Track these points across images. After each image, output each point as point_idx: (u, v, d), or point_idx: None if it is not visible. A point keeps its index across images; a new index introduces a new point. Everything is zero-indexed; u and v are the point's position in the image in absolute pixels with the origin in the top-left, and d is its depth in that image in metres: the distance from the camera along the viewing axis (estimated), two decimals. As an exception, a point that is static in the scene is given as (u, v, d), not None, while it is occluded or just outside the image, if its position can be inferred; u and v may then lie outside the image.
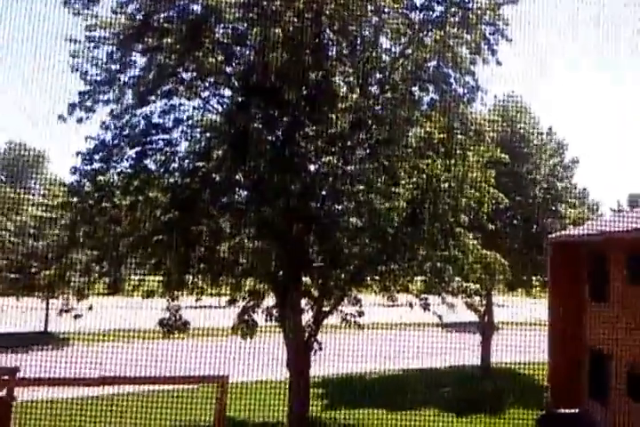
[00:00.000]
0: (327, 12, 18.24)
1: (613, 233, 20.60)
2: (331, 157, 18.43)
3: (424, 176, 19.80)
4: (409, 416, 20.73)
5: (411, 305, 20.48)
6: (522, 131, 25.24)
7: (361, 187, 18.95)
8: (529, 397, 23.02)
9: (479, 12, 19.92)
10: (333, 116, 18.51)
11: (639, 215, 19.74)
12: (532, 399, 22.66)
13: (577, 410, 21.86)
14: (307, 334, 18.98)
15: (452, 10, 19.89)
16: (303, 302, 19.16)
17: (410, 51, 19.74)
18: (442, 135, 19.85)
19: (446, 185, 20.08)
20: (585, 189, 28.74)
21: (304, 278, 19.21)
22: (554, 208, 26.29)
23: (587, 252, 22.38)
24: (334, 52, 19.14)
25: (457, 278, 20.39)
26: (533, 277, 26.53)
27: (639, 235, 18.84)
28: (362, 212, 19.02)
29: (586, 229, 23.91)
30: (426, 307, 20.30)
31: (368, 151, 19.82)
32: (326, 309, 19.37)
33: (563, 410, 21.98)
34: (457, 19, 19.91)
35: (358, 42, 19.38)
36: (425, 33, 19.85)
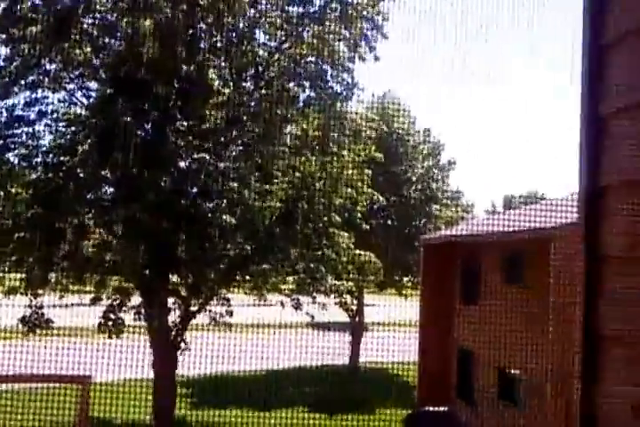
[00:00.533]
0: (201, 3, 18.16)
1: (485, 235, 21.05)
2: (203, 154, 18.38)
3: (299, 175, 19.90)
4: (277, 414, 21.00)
5: (282, 305, 20.72)
6: (399, 130, 25.77)
7: (234, 184, 18.95)
8: (398, 396, 23.55)
9: (359, 7, 20.06)
10: (206, 112, 18.46)
11: (512, 217, 20.37)
12: (400, 399, 23.19)
13: (443, 408, 22.33)
14: (173, 334, 18.94)
15: (332, 5, 19.93)
16: (171, 301, 19.09)
17: (287, 46, 19.79)
18: (318, 133, 19.99)
19: (321, 184, 20.27)
20: (459, 191, 29.51)
21: (172, 277, 19.15)
22: (428, 209, 26.93)
23: (459, 253, 22.90)
24: (208, 45, 19.07)
25: (329, 278, 20.63)
26: (405, 278, 27.10)
27: (511, 237, 19.29)
28: (235, 210, 18.99)
29: (458, 231, 24.46)
30: (297, 307, 20.65)
31: (242, 148, 19.89)
32: (194, 308, 19.35)
33: (429, 408, 22.42)
34: (336, 14, 20.02)
35: (233, 35, 19.34)
36: (303, 28, 19.92)
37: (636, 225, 2.09)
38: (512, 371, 18.97)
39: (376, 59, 20.27)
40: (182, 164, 18.81)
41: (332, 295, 21.63)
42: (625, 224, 2.16)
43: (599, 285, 2.23)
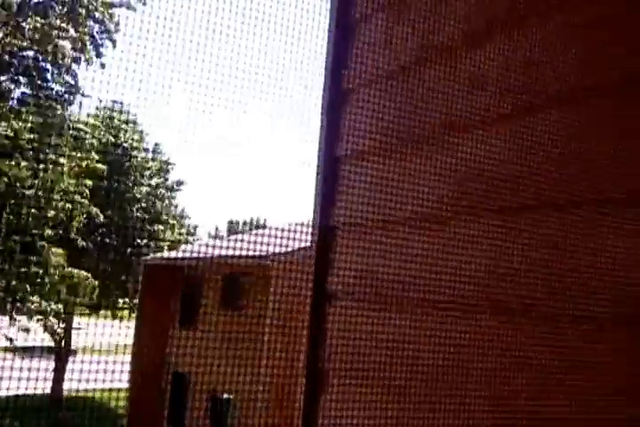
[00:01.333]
0: None
1: (206, 259, 17.94)
2: None
3: (5, 180, 15.33)
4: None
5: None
6: (126, 144, 21.32)
7: None
8: (104, 426, 18.98)
9: (90, 7, 16.25)
10: None
11: (234, 242, 16.90)
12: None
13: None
14: None
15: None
16: None
17: (1, 35, 15.19)
18: (31, 135, 15.53)
19: (32, 192, 15.77)
20: (184, 212, 25.51)
21: None
22: (152, 229, 22.68)
23: (180, 276, 19.38)
24: None
25: (34, 298, 16.06)
26: (121, 300, 22.59)
27: (231, 262, 16.25)
28: None
29: (180, 253, 20.75)
30: (-8, 330, 15.77)
31: None
32: None
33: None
34: (64, 10, 16.04)
35: None
36: (23, 18, 15.54)
37: (359, 265, 1.99)
38: (224, 395, 15.80)
39: (102, 66, 16.64)
40: None
41: (36, 317, 16.73)
42: (350, 264, 2.04)
43: (324, 321, 2.06)
